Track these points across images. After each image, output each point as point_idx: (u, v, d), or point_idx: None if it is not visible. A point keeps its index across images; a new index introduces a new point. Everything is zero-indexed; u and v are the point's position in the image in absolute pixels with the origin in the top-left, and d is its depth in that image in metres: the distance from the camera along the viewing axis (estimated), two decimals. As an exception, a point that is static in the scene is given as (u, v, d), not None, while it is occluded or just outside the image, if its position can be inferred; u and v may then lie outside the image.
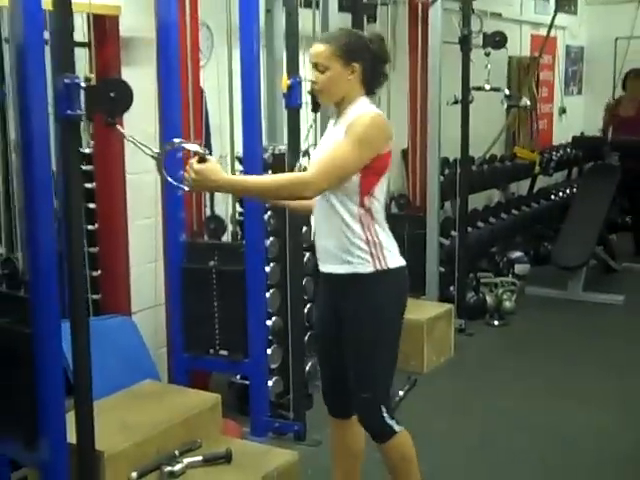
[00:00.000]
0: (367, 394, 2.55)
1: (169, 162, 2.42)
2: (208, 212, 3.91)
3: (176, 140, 2.51)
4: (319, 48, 2.46)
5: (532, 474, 3.39)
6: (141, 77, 3.61)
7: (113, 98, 2.29)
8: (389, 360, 2.59)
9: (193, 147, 2.35)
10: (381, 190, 2.51)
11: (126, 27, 3.53)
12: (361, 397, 2.57)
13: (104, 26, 3.46)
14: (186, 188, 2.37)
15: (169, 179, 2.37)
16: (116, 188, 3.64)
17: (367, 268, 2.49)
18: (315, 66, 2.47)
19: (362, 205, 2.48)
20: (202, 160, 2.30)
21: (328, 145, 2.50)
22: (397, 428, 2.60)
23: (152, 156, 2.35)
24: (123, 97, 2.32)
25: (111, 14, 3.45)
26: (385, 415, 2.57)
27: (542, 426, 3.81)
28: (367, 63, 2.48)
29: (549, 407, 4.03)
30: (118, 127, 2.36)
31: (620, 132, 7.03)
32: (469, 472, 3.42)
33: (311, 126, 3.76)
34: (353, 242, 2.48)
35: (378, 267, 2.50)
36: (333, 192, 2.45)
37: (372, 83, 2.53)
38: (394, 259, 2.54)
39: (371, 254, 2.49)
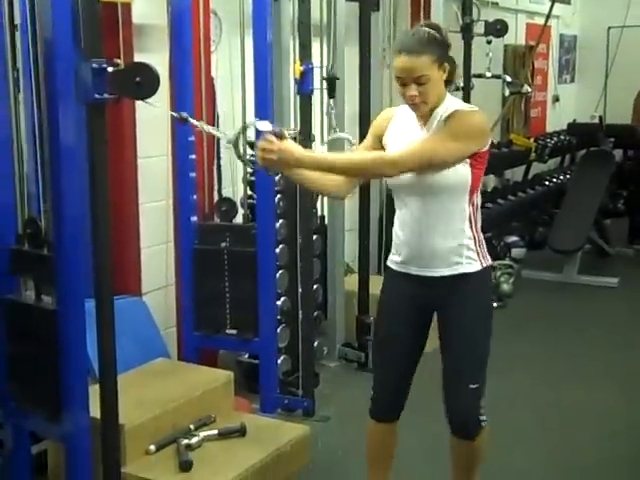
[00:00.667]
0: (476, 385, 2.49)
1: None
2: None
3: (248, 121, 2.53)
4: (418, 61, 2.30)
5: (532, 449, 3.50)
6: (153, 64, 3.69)
7: (139, 82, 2.35)
8: (487, 353, 2.55)
9: (267, 126, 2.30)
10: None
11: (138, 14, 3.59)
12: (469, 389, 2.49)
13: (116, 12, 3.53)
14: (269, 172, 2.37)
15: (251, 163, 2.40)
16: (127, 171, 3.71)
17: (475, 267, 2.45)
18: (416, 79, 2.32)
19: (471, 203, 2.43)
20: (281, 138, 2.26)
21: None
22: (484, 424, 2.57)
23: (227, 141, 2.37)
24: (149, 81, 2.36)
25: (123, 1, 3.52)
26: (482, 410, 2.54)
27: (542, 404, 3.93)
28: (448, 57, 2.40)
29: (548, 386, 4.15)
30: (191, 120, 2.44)
31: None
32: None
33: (331, 110, 3.86)
34: (463, 243, 2.43)
35: (484, 264, 2.48)
36: (445, 193, 2.38)
37: (452, 74, 2.45)
38: (488, 253, 2.52)
39: (477, 252, 2.46)
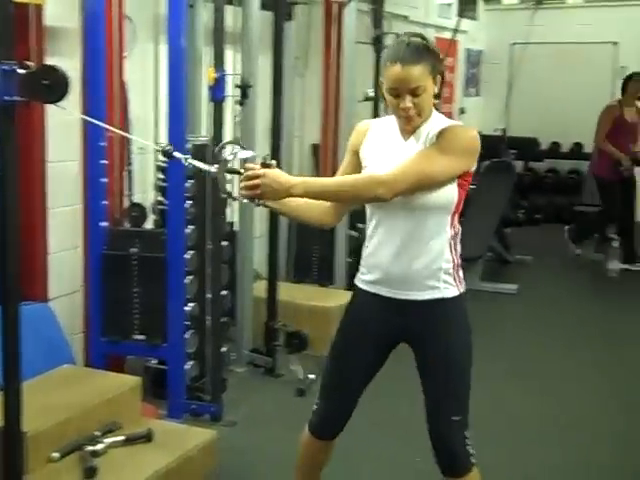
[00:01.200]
0: (458, 416, 2.38)
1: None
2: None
3: (229, 149, 2.23)
4: (414, 70, 2.18)
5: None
6: (65, 67, 3.64)
7: (48, 85, 2.30)
8: (469, 382, 2.43)
9: (249, 154, 2.17)
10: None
11: (51, 16, 3.55)
12: (451, 420, 2.37)
13: (28, 14, 3.48)
14: (255, 203, 2.15)
15: (233, 195, 2.20)
16: (35, 176, 3.65)
17: (452, 292, 2.34)
18: (412, 90, 2.19)
19: (453, 226, 2.32)
20: (265, 166, 2.12)
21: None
22: (473, 460, 2.42)
23: (210, 172, 2.18)
24: (58, 85, 2.30)
25: (35, 2, 3.47)
26: (468, 442, 2.40)
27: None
28: (440, 68, 2.28)
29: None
30: (176, 154, 2.28)
31: (625, 137, 6.90)
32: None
33: (236, 117, 3.87)
34: (442, 267, 2.31)
35: (461, 290, 2.37)
36: (431, 214, 2.26)
37: (441, 88, 2.31)
38: (463, 279, 2.42)
39: (454, 277, 2.35)
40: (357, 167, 2.41)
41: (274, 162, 2.15)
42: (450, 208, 2.29)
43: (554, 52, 9.18)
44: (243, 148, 2.23)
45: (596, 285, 6.65)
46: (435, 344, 2.37)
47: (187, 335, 3.77)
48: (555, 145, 9.40)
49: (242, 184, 2.12)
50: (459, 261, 2.37)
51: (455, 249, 2.35)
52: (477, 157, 2.28)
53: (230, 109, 4.02)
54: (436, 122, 2.30)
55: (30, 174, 3.64)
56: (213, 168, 2.15)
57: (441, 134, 2.24)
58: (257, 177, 2.10)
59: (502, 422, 3.92)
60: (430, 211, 2.27)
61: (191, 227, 3.73)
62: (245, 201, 2.16)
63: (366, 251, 2.42)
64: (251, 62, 4.11)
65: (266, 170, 2.11)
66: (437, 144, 2.23)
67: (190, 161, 2.23)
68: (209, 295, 3.79)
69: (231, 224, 4.40)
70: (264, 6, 4.23)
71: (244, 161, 2.14)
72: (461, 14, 7.72)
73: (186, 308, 3.75)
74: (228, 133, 3.98)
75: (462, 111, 9.18)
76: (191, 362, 3.81)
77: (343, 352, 2.51)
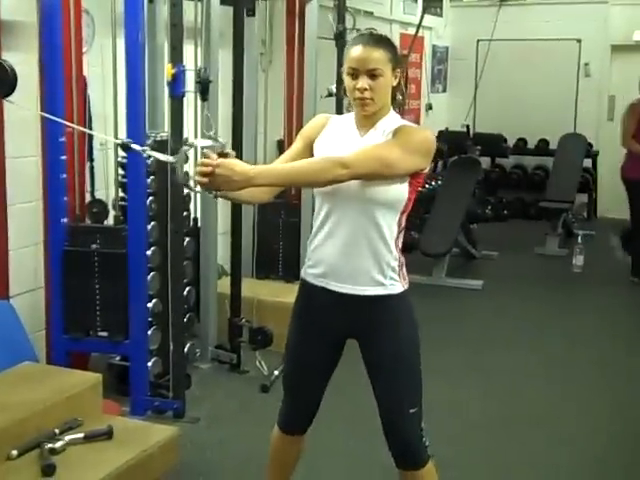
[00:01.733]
0: (414, 409, 2.39)
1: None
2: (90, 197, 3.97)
3: (190, 141, 2.30)
4: (373, 52, 2.24)
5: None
6: (22, 62, 3.62)
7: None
8: (419, 375, 2.44)
9: (205, 142, 2.16)
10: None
11: (6, 10, 3.52)
12: (408, 413, 2.38)
13: (-17, 8, 3.45)
14: (211, 193, 2.12)
15: (195, 188, 2.13)
16: (-7, 172, 3.64)
17: (398, 288, 2.35)
18: (369, 72, 2.24)
19: (399, 223, 2.34)
20: (222, 155, 2.10)
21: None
22: (429, 452, 2.45)
23: (169, 163, 2.19)
24: (5, 79, 2.28)
25: (-10, -4, 3.44)
26: (424, 434, 2.43)
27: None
28: (401, 67, 2.33)
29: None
30: (134, 146, 2.33)
31: None
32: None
33: (207, 115, 3.83)
34: (389, 263, 2.33)
35: (405, 286, 2.38)
36: (380, 209, 2.28)
37: (402, 92, 2.39)
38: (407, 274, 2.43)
39: (399, 274, 2.36)
40: (304, 156, 2.40)
41: (232, 152, 2.12)
42: (399, 206, 2.31)
43: (519, 49, 9.23)
44: (216, 141, 2.23)
45: (560, 281, 6.69)
46: (382, 340, 2.38)
47: (150, 332, 3.76)
48: (521, 141, 9.47)
49: (197, 172, 2.09)
50: (403, 259, 2.38)
51: (399, 247, 2.37)
52: (430, 158, 2.31)
53: (192, 105, 4.01)
54: (393, 120, 2.33)
55: (-11, 170, 3.61)
56: (171, 158, 2.14)
57: (398, 131, 2.27)
58: (210, 166, 2.07)
59: (460, 417, 3.95)
60: (380, 206, 2.28)
61: (153, 223, 3.72)
62: (199, 189, 2.11)
63: (313, 243, 2.42)
64: (211, 57, 4.10)
65: (222, 160, 2.08)
66: (395, 139, 2.25)
67: (149, 152, 2.26)
68: (170, 291, 3.76)
69: (195, 220, 4.39)
70: (225, 1, 4.21)
71: (202, 151, 2.11)
72: (426, 10, 7.73)
73: (149, 305, 3.74)
74: (190, 129, 3.97)
75: (429, 107, 9.22)
76: (154, 359, 3.80)
77: (296, 350, 2.52)
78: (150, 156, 2.28)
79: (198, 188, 2.08)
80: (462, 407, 4.06)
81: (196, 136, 4.13)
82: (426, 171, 2.33)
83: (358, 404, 3.87)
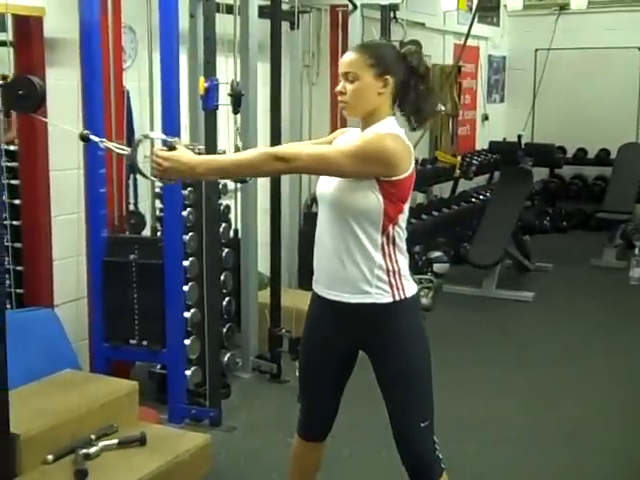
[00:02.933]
0: (425, 422, 2.37)
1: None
2: (130, 207, 4.06)
3: (143, 133, 2.48)
4: (350, 56, 2.31)
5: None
6: (65, 78, 3.75)
7: (22, 96, 2.37)
8: (429, 388, 2.41)
9: (158, 135, 2.38)
10: (404, 218, 2.35)
11: (50, 28, 3.63)
12: (419, 427, 2.36)
13: (28, 27, 3.57)
14: (159, 181, 2.37)
15: (147, 175, 2.33)
16: (40, 184, 3.74)
17: (386, 298, 2.32)
18: (345, 75, 2.30)
19: (385, 233, 2.30)
20: (171, 149, 2.26)
21: None
22: (443, 464, 2.42)
23: (125, 154, 2.41)
24: (31, 94, 2.38)
25: (35, 15, 3.56)
26: (437, 447, 2.41)
27: (449, 416, 4.02)
28: (400, 78, 2.32)
29: (456, 398, 4.25)
30: (92, 137, 2.46)
31: None
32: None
33: (237, 130, 3.90)
34: (373, 272, 2.31)
35: (397, 297, 2.33)
36: (354, 217, 2.28)
37: (404, 99, 2.36)
38: (411, 285, 2.38)
39: (390, 284, 2.32)
40: None
41: (180, 143, 2.28)
42: (376, 215, 2.27)
43: (578, 58, 9.08)
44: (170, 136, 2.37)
45: (616, 293, 6.51)
46: (383, 353, 2.38)
47: (189, 341, 3.80)
48: (581, 151, 9.29)
49: (150, 164, 2.26)
50: (397, 268, 2.33)
51: (390, 257, 2.32)
52: (395, 167, 2.23)
53: (230, 118, 4.06)
54: (380, 127, 2.32)
55: (35, 182, 3.74)
56: (127, 150, 2.34)
57: (363, 136, 2.31)
58: (161, 157, 2.22)
59: (492, 432, 3.87)
60: (353, 214, 2.28)
61: (191, 234, 3.78)
62: (154, 178, 2.30)
63: (314, 248, 2.46)
64: (250, 70, 4.15)
65: (170, 153, 2.22)
66: (355, 142, 2.28)
67: (105, 144, 2.39)
68: (207, 302, 3.81)
69: (235, 231, 4.44)
70: (264, 14, 4.27)
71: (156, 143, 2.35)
72: (481, 20, 7.67)
73: (187, 314, 3.79)
74: (226, 141, 4.02)
75: (485, 117, 9.13)
76: (193, 368, 3.85)
77: (304, 358, 2.56)
78: (107, 148, 2.47)
79: (154, 179, 2.30)
80: (497, 421, 3.99)
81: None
82: (397, 178, 2.24)
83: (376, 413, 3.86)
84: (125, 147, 2.37)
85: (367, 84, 2.28)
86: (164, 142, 2.29)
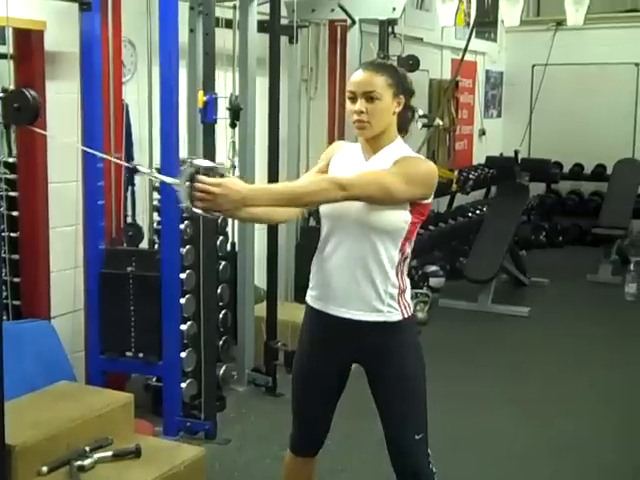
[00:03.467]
0: (420, 435, 2.39)
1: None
2: (128, 220, 4.07)
3: (187, 159, 2.09)
4: (371, 76, 2.30)
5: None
6: (66, 91, 3.77)
7: (18, 109, 2.39)
8: (425, 402, 2.43)
9: (205, 162, 2.04)
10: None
11: (51, 41, 3.66)
12: (414, 439, 2.38)
13: (29, 40, 3.59)
14: (204, 214, 2.03)
15: (197, 210, 2.01)
16: (38, 196, 3.76)
17: (396, 316, 2.35)
18: (366, 94, 2.28)
19: (402, 251, 2.34)
20: (220, 176, 2.02)
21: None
22: (436, 478, 2.43)
23: (174, 185, 2.05)
24: (27, 108, 2.39)
25: (36, 29, 3.58)
26: (431, 460, 2.42)
27: (442, 431, 4.03)
28: (406, 98, 2.38)
29: (450, 413, 4.26)
30: (141, 168, 2.31)
31: None
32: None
33: (233, 142, 3.93)
34: (387, 290, 2.33)
35: (405, 315, 2.37)
36: (379, 235, 2.29)
37: (406, 119, 2.42)
38: (412, 303, 2.43)
39: (399, 302, 2.36)
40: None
41: (229, 171, 2.16)
42: (401, 234, 2.31)
43: (575, 73, 9.13)
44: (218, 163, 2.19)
45: (612, 309, 6.54)
46: (383, 368, 2.38)
47: (185, 354, 3.81)
48: (577, 167, 9.33)
49: (194, 194, 1.99)
50: (405, 285, 2.38)
51: (402, 275, 2.37)
52: (433, 190, 2.31)
53: (229, 131, 4.09)
54: (399, 148, 2.36)
55: (34, 194, 3.75)
56: (177, 181, 2.04)
57: (402, 160, 2.29)
58: (211, 186, 1.98)
59: (490, 448, 3.88)
60: (379, 233, 2.29)
61: (188, 247, 3.79)
62: (199, 212, 2.02)
63: (315, 265, 2.43)
64: (248, 84, 4.18)
65: (222, 179, 2.01)
66: (397, 167, 2.26)
67: (155, 175, 2.26)
68: (203, 314, 3.82)
69: (232, 244, 4.46)
70: (263, 29, 4.30)
71: (204, 171, 2.00)
72: (479, 35, 7.72)
73: (184, 327, 3.80)
74: (224, 155, 4.05)
75: (482, 132, 9.17)
76: (189, 380, 3.85)
77: (300, 374, 2.53)
78: (157, 179, 2.27)
79: (199, 211, 2.01)
80: (492, 436, 4.00)
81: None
82: (428, 202, 2.33)
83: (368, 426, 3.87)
84: (175, 179, 2.05)
85: (387, 104, 2.31)
86: (211, 170, 2.01)
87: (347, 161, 2.41)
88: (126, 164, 2.43)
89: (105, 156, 2.38)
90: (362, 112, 2.29)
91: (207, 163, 2.03)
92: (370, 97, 2.29)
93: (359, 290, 2.32)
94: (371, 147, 2.37)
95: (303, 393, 2.54)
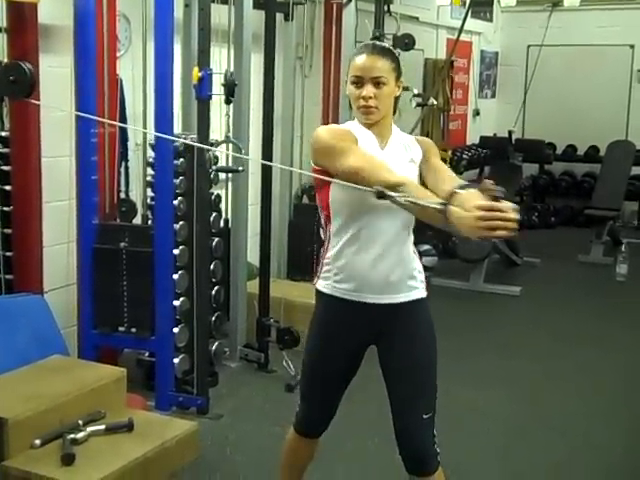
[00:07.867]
0: (428, 414, 2.38)
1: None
2: (122, 195, 4.07)
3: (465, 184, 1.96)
4: (377, 60, 2.28)
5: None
6: (59, 64, 3.75)
7: (13, 81, 2.37)
8: (435, 380, 2.45)
9: (495, 187, 1.80)
10: None
11: (45, 14, 3.62)
12: (422, 418, 2.37)
13: (22, 13, 3.56)
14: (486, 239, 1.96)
15: (489, 234, 1.81)
16: (31, 171, 3.73)
17: (424, 292, 2.42)
18: (374, 80, 2.27)
19: (413, 230, 2.40)
20: (494, 199, 1.81)
21: (406, 163, 2.34)
22: (439, 458, 2.43)
23: (439, 209, 1.89)
24: (23, 80, 2.37)
25: (29, 1, 3.55)
26: (436, 440, 2.41)
27: (437, 409, 4.06)
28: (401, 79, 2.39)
29: (443, 391, 4.28)
30: (390, 193, 2.01)
31: None
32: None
33: (227, 115, 3.92)
34: (416, 267, 2.40)
35: (427, 290, 2.45)
36: (410, 223, 2.34)
37: (397, 102, 2.42)
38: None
39: (423, 279, 2.44)
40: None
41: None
42: (414, 220, 2.34)
43: (571, 54, 9.13)
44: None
45: (602, 289, 6.59)
46: (409, 344, 2.39)
47: (177, 329, 3.82)
48: (570, 148, 9.34)
49: (475, 222, 1.81)
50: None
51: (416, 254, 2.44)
52: None
53: (223, 108, 4.08)
54: (403, 134, 2.41)
55: (27, 168, 3.72)
56: (440, 205, 1.88)
57: (433, 152, 2.39)
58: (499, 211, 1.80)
59: (488, 423, 3.92)
60: (410, 222, 2.33)
61: (181, 223, 3.79)
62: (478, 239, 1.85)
63: (340, 259, 2.36)
64: (243, 61, 4.17)
65: (504, 203, 1.82)
66: (441, 162, 2.38)
67: (410, 199, 1.98)
68: (196, 290, 3.83)
69: (226, 220, 4.46)
70: (258, 5, 4.28)
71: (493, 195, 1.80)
72: (475, 15, 7.69)
73: (177, 303, 3.81)
74: (218, 132, 4.04)
75: (476, 113, 9.16)
76: (181, 356, 3.87)
77: (318, 361, 2.50)
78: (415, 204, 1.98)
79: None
80: (485, 414, 4.03)
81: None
82: None
83: (372, 408, 3.90)
84: (437, 201, 1.92)
85: (392, 88, 2.32)
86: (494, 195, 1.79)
87: (368, 147, 2.33)
88: (373, 189, 2.05)
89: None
90: (370, 97, 2.27)
91: (496, 187, 1.81)
92: (377, 82, 2.27)
93: (397, 275, 2.34)
94: (382, 132, 2.36)
95: (318, 379, 2.52)
